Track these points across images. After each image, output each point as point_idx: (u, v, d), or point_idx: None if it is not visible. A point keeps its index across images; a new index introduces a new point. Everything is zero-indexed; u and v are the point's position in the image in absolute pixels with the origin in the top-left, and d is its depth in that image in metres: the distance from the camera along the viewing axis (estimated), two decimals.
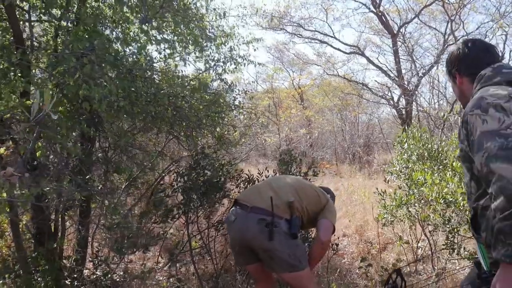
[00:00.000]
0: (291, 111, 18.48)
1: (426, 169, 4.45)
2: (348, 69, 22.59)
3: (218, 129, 6.39)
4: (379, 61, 18.38)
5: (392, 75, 14.80)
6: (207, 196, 4.61)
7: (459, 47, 2.14)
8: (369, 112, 21.09)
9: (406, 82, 13.98)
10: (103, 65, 3.53)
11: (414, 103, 13.36)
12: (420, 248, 5.53)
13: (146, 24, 4.23)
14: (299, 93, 23.20)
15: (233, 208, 3.24)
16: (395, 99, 15.15)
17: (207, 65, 5.36)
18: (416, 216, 4.63)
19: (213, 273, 4.92)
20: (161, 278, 5.09)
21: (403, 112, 14.09)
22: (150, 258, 5.71)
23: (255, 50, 6.06)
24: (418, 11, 14.50)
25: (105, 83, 3.46)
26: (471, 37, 2.27)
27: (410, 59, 14.16)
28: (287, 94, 21.71)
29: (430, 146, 4.63)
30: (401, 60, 14.54)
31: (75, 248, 4.39)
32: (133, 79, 3.95)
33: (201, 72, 5.91)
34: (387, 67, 15.47)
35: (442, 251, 4.63)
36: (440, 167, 4.51)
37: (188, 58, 5.93)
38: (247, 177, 5.14)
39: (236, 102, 5.95)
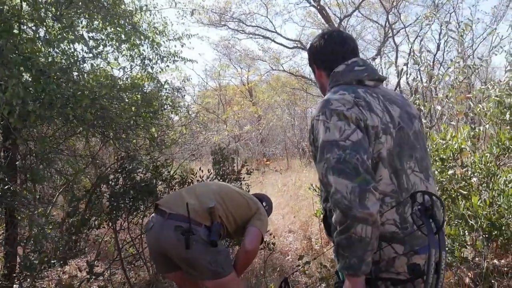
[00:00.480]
0: (235, 108, 18.27)
1: None
2: (293, 63, 22.64)
3: (153, 130, 6.17)
4: None
5: None
6: (136, 202, 4.40)
7: (316, 41, 2.05)
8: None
9: None
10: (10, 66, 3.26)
11: None
12: None
13: (58, 21, 3.95)
14: (248, 89, 23.09)
15: (153, 214, 3.05)
16: None
17: (132, 64, 5.11)
18: None
19: (148, 280, 4.72)
20: None
21: None
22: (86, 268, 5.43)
23: (182, 46, 5.83)
24: (358, 4, 14.60)
25: (13, 86, 3.20)
26: (330, 29, 2.19)
27: None
28: (234, 91, 21.52)
29: None
30: None
31: (2, 263, 4.09)
32: (46, 81, 3.69)
33: (129, 71, 5.67)
34: None
35: None
36: None
37: (119, 56, 5.72)
38: (180, 178, 4.96)
39: (169, 101, 5.73)
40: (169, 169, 5.12)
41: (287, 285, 2.23)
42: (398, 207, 1.72)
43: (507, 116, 4.04)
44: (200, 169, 5.03)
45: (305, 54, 17.56)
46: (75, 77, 4.48)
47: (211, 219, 2.89)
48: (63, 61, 4.01)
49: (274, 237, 5.72)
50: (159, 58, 5.49)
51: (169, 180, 4.93)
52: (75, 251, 3.64)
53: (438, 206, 1.79)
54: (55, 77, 3.87)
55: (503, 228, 3.23)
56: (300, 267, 4.88)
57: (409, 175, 1.78)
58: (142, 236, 4.73)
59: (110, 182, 4.16)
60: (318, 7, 14.59)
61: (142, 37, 5.55)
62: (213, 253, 2.80)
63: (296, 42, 16.64)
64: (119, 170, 4.27)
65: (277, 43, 17.53)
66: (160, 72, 5.86)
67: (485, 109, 4.20)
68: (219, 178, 4.61)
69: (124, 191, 4.31)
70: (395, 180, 1.74)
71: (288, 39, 17.33)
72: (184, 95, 6.08)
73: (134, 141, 5.91)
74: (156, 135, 6.06)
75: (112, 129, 4.96)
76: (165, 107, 5.89)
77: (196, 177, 4.94)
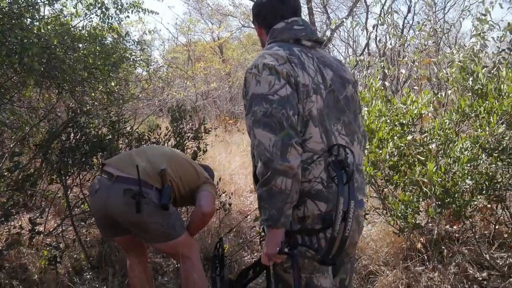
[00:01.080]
0: (202, 64, 17.88)
1: None
2: None
3: (112, 84, 5.95)
4: None
5: None
6: (88, 157, 4.24)
7: None
8: None
9: (320, 35, 13.91)
10: None
11: None
12: None
13: None
14: (219, 46, 22.62)
15: (97, 176, 2.88)
16: None
17: (87, 12, 4.83)
18: None
19: (100, 238, 4.62)
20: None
21: None
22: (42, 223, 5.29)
23: None
24: None
25: None
26: None
27: (324, 11, 14.07)
28: (204, 47, 21.03)
29: None
30: (315, 12, 14.40)
31: None
32: None
33: (88, 20, 5.39)
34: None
35: None
36: None
37: (77, 4, 5.42)
38: (138, 135, 4.80)
39: (128, 54, 5.50)
40: (131, 125, 4.95)
41: (221, 246, 2.16)
42: (326, 167, 1.75)
43: (469, 82, 3.99)
44: (158, 126, 4.87)
45: None
46: (27, 24, 4.22)
47: (162, 182, 2.76)
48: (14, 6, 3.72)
49: (230, 197, 5.64)
50: (117, 7, 5.23)
51: (126, 136, 4.77)
52: (17, 208, 3.47)
53: (359, 169, 1.92)
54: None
55: (455, 196, 3.22)
56: (256, 228, 4.85)
57: (337, 137, 1.83)
58: None
59: (61, 137, 3.97)
60: None
61: None
62: (165, 216, 2.68)
63: None
64: (70, 125, 4.07)
65: None
66: (120, 23, 5.59)
67: (448, 74, 4.14)
68: (176, 136, 4.47)
69: (76, 146, 4.13)
70: (325, 139, 1.78)
71: None
72: (145, 48, 5.82)
73: (93, 94, 5.69)
74: (115, 89, 5.85)
75: (67, 81, 4.74)
76: (124, 60, 5.65)
77: (153, 134, 4.78)
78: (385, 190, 3.88)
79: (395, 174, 3.60)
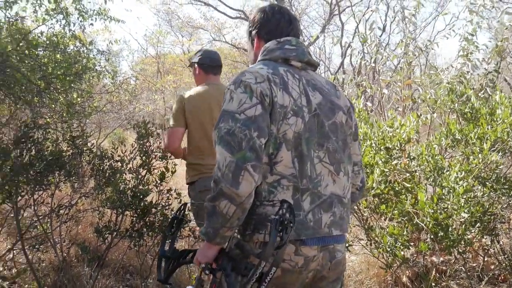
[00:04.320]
0: (171, 77, 17.45)
1: None
2: (236, 35, 21.99)
3: (74, 95, 5.53)
4: None
5: None
6: (43, 177, 3.81)
7: (265, 10, 2.00)
8: None
9: None
10: None
11: None
12: None
13: None
14: (189, 59, 22.19)
15: None
16: None
17: (46, 17, 4.44)
18: None
19: (57, 265, 4.18)
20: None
21: None
22: None
23: (106, 2, 5.12)
24: None
25: None
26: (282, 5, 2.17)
27: None
28: (174, 59, 20.59)
29: None
30: None
31: None
32: None
33: (49, 27, 4.98)
34: None
35: None
36: None
37: (37, 9, 4.99)
38: (100, 153, 4.39)
39: (91, 64, 5.08)
40: (96, 139, 4.54)
41: (184, 210, 2.05)
42: (295, 193, 1.70)
43: (456, 105, 3.77)
44: (122, 143, 4.48)
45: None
46: None
47: None
48: None
49: None
50: (81, 13, 4.84)
51: (87, 154, 4.36)
52: None
53: (342, 202, 1.84)
54: None
55: (449, 229, 2.94)
56: None
57: (315, 164, 1.75)
58: (52, 214, 4.14)
59: (12, 154, 3.54)
60: None
61: None
62: None
63: (240, 13, 16.01)
64: (23, 140, 3.64)
65: (220, 11, 16.86)
66: (83, 30, 5.20)
67: (435, 96, 3.90)
68: (141, 155, 4.07)
69: (29, 164, 3.71)
70: (297, 165, 1.71)
71: (231, 8, 16.67)
72: (109, 58, 5.43)
73: (53, 106, 5.26)
74: (77, 101, 5.44)
75: (22, 92, 4.32)
76: (87, 71, 5.24)
77: (117, 151, 4.38)
78: (369, 219, 3.59)
79: (382, 203, 3.31)
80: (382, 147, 3.50)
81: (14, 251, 4.20)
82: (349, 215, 1.92)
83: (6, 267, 4.00)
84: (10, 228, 5.14)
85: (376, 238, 3.28)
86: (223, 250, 1.70)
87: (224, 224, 1.60)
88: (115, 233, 3.73)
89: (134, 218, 3.73)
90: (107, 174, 4.18)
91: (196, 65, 3.70)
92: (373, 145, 3.49)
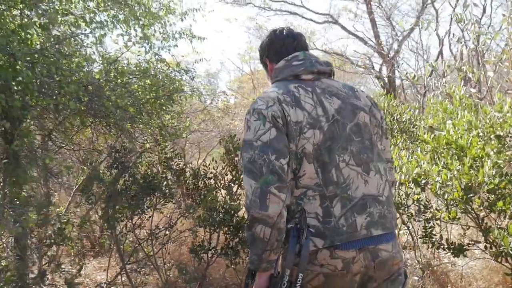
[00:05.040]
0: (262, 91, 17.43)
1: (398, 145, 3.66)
2: (326, 40, 21.52)
3: (167, 117, 5.63)
4: (355, 28, 17.03)
5: (371, 43, 13.89)
6: (139, 201, 3.85)
7: (270, 33, 2.08)
8: (355, 84, 20.16)
9: (386, 49, 13.10)
10: None
11: (396, 71, 12.45)
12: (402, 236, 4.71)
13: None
14: None
15: None
16: (377, 68, 14.23)
17: (136, 44, 4.55)
18: None
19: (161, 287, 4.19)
20: None
21: (386, 81, 13.17)
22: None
23: (182, 20, 5.14)
24: None
25: None
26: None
27: (388, 24, 13.27)
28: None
29: (399, 117, 3.81)
30: (378, 25, 13.60)
31: None
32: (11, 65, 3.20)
33: (139, 54, 5.11)
34: (364, 35, 14.49)
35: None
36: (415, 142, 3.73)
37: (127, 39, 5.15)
38: (192, 172, 4.38)
39: (180, 86, 5.12)
40: (197, 159, 4.55)
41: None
42: (323, 201, 1.72)
43: None
44: (214, 160, 4.42)
45: (336, 29, 16.59)
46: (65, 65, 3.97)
47: None
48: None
49: None
50: (163, 37, 4.90)
51: (180, 173, 4.37)
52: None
53: (380, 200, 1.81)
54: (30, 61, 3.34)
55: None
56: None
57: (342, 168, 1.77)
58: (152, 237, 4.18)
59: (102, 180, 3.60)
60: None
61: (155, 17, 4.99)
62: None
63: (327, 16, 15.57)
64: (115, 166, 3.70)
65: (306, 18, 16.52)
66: (169, 51, 5.27)
67: None
68: (231, 170, 3.98)
69: (125, 189, 3.76)
70: (320, 174, 1.74)
71: (317, 13, 16.26)
72: (194, 77, 5.45)
73: (149, 130, 5.38)
74: (169, 123, 5.52)
75: (115, 119, 4.43)
76: (180, 92, 5.30)
77: (209, 169, 4.33)
78: (486, 219, 3.16)
79: (499, 200, 2.88)
80: (492, 136, 3.07)
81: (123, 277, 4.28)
82: (393, 212, 1.91)
83: None
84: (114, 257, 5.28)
85: (496, 241, 2.85)
86: (272, 275, 1.74)
87: (264, 248, 1.66)
88: (210, 252, 3.65)
89: (227, 235, 3.62)
90: (202, 192, 4.15)
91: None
92: (481, 134, 3.07)
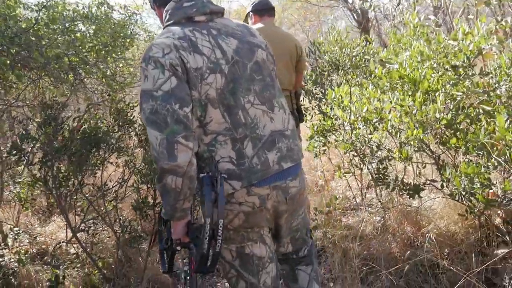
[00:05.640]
0: None
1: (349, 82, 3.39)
2: None
3: (120, 65, 5.31)
4: None
5: None
6: (81, 158, 3.58)
7: None
8: (327, 18, 19.33)
9: None
10: None
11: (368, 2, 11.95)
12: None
13: None
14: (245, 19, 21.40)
15: None
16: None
17: None
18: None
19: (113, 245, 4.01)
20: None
21: (360, 13, 12.65)
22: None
23: None
24: None
25: None
26: None
27: None
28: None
29: (349, 51, 3.50)
30: None
31: None
32: None
33: None
34: None
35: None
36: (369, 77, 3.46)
37: None
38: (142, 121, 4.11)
39: (126, 30, 4.76)
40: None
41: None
42: (234, 144, 1.75)
43: None
44: None
45: None
46: None
47: None
48: None
49: None
50: None
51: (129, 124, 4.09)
52: None
53: (286, 135, 1.88)
54: None
55: None
56: None
57: (248, 109, 1.79)
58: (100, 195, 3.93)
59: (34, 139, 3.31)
60: None
61: None
62: None
63: None
64: (48, 121, 3.38)
65: None
66: None
67: None
68: None
69: (63, 147, 3.48)
70: (228, 118, 1.75)
71: None
72: (138, 20, 5.09)
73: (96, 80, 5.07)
74: (119, 72, 5.20)
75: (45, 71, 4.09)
76: (127, 36, 4.95)
77: None
78: (443, 156, 2.96)
79: (453, 136, 2.67)
80: (448, 67, 2.82)
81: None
82: (298, 143, 1.97)
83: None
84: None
85: (450, 179, 2.66)
86: (189, 223, 1.77)
87: (177, 197, 1.66)
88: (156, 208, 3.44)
89: None
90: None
91: (251, 13, 3.82)
92: (435, 65, 2.81)
